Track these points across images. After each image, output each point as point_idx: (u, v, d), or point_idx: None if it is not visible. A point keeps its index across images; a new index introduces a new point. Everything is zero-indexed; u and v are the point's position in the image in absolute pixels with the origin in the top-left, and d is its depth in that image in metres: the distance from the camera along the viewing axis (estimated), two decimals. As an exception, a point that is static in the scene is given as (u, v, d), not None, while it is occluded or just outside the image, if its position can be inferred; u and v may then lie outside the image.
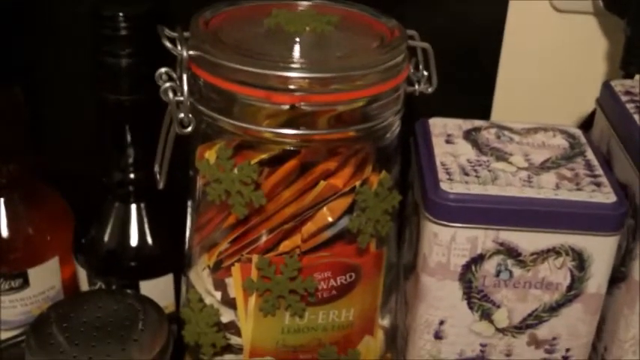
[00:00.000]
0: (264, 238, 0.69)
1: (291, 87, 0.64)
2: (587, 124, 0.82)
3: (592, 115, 0.82)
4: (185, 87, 0.66)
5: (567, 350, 0.72)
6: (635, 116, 0.71)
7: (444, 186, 0.66)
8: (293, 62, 0.65)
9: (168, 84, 0.67)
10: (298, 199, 0.68)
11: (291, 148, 0.66)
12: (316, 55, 0.69)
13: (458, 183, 0.67)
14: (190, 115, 0.67)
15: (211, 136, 0.69)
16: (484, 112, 0.87)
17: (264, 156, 0.67)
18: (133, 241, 0.82)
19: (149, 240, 0.82)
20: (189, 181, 0.75)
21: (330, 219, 0.69)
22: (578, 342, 0.71)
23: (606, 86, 0.77)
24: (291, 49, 0.68)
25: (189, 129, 0.68)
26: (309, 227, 0.69)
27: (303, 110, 0.65)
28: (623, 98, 0.73)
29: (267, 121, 0.66)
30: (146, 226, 0.82)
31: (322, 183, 0.67)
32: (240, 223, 0.69)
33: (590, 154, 0.72)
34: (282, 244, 0.70)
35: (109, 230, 0.82)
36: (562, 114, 0.85)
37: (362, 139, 0.69)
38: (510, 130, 0.76)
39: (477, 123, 0.77)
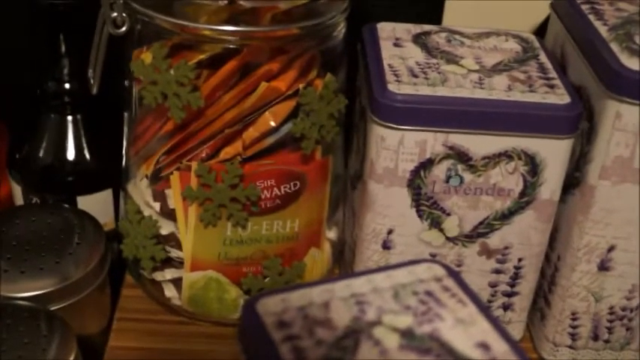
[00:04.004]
0: (204, 145, 0.66)
1: (230, -19, 0.60)
2: (539, 32, 0.80)
3: (545, 22, 0.79)
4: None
5: (519, 260, 0.70)
6: (591, 16, 0.68)
7: (392, 87, 0.64)
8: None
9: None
10: (239, 103, 0.65)
11: (232, 47, 0.63)
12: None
13: (406, 85, 0.64)
14: (124, 15, 0.64)
15: (147, 38, 0.66)
16: (435, 19, 0.84)
17: (202, 56, 0.64)
18: (70, 154, 0.79)
19: (86, 154, 0.79)
20: (124, 92, 0.72)
21: (272, 124, 0.66)
22: (530, 251, 0.69)
23: (561, -11, 0.74)
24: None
25: (123, 29, 0.65)
26: (250, 133, 0.66)
27: (242, 6, 0.61)
28: (579, 0, 0.71)
29: (205, 18, 0.63)
30: (83, 139, 0.79)
31: (263, 85, 0.64)
32: (178, 129, 0.66)
33: (543, 58, 0.70)
34: (222, 151, 0.67)
35: (44, 144, 0.79)
36: (514, 22, 0.83)
37: (306, 39, 0.66)
38: (461, 34, 0.73)
39: (427, 27, 0.74)
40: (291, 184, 0.68)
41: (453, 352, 0.45)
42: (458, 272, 0.51)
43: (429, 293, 0.48)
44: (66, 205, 0.75)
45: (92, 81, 0.70)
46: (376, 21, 0.74)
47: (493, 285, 0.71)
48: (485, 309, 0.48)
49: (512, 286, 0.71)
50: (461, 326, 0.46)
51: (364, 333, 0.45)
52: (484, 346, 0.45)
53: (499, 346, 0.45)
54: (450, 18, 0.85)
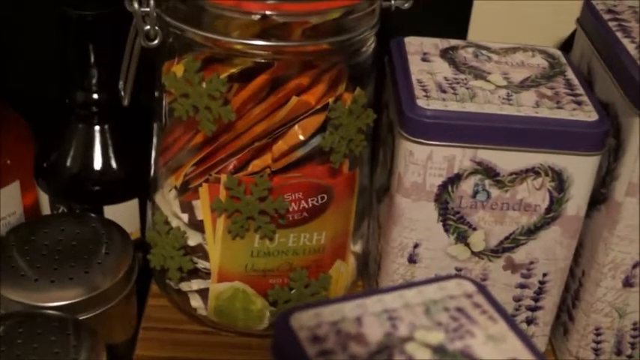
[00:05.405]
0: (233, 158, 0.67)
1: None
2: (566, 47, 0.80)
3: (571, 37, 0.80)
4: (151, -3, 0.64)
5: (544, 275, 0.70)
6: (618, 33, 0.68)
7: (421, 102, 0.64)
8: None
9: (133, -6, 0.64)
10: (269, 116, 0.66)
11: (263, 61, 0.64)
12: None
13: (435, 100, 0.65)
14: (157, 28, 0.65)
15: (178, 50, 0.67)
16: (461, 33, 0.85)
17: (233, 70, 0.64)
18: (97, 164, 0.79)
19: (113, 163, 0.80)
20: (154, 103, 0.72)
21: (301, 137, 0.67)
22: (555, 266, 0.70)
23: (588, 5, 0.74)
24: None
25: (156, 42, 0.65)
26: (280, 146, 0.67)
27: (275, 21, 0.62)
28: (605, 17, 0.71)
29: (237, 32, 0.63)
30: (110, 149, 0.80)
31: (294, 99, 0.65)
32: (208, 141, 0.67)
33: (570, 74, 0.70)
34: (251, 163, 0.67)
35: (71, 153, 0.80)
36: (540, 36, 0.83)
37: (336, 53, 0.66)
38: (488, 49, 0.73)
39: (454, 42, 0.74)
40: (319, 197, 0.69)
41: (484, 368, 0.45)
42: (487, 288, 0.51)
43: (459, 309, 0.49)
44: (94, 215, 0.75)
45: (123, 93, 0.70)
46: (402, 34, 0.74)
47: (517, 299, 0.72)
48: (515, 325, 0.48)
49: (536, 300, 0.72)
50: (492, 343, 0.47)
51: (397, 348, 0.45)
52: (515, 363, 0.45)
53: (530, 363, 0.46)
54: (475, 33, 0.85)
